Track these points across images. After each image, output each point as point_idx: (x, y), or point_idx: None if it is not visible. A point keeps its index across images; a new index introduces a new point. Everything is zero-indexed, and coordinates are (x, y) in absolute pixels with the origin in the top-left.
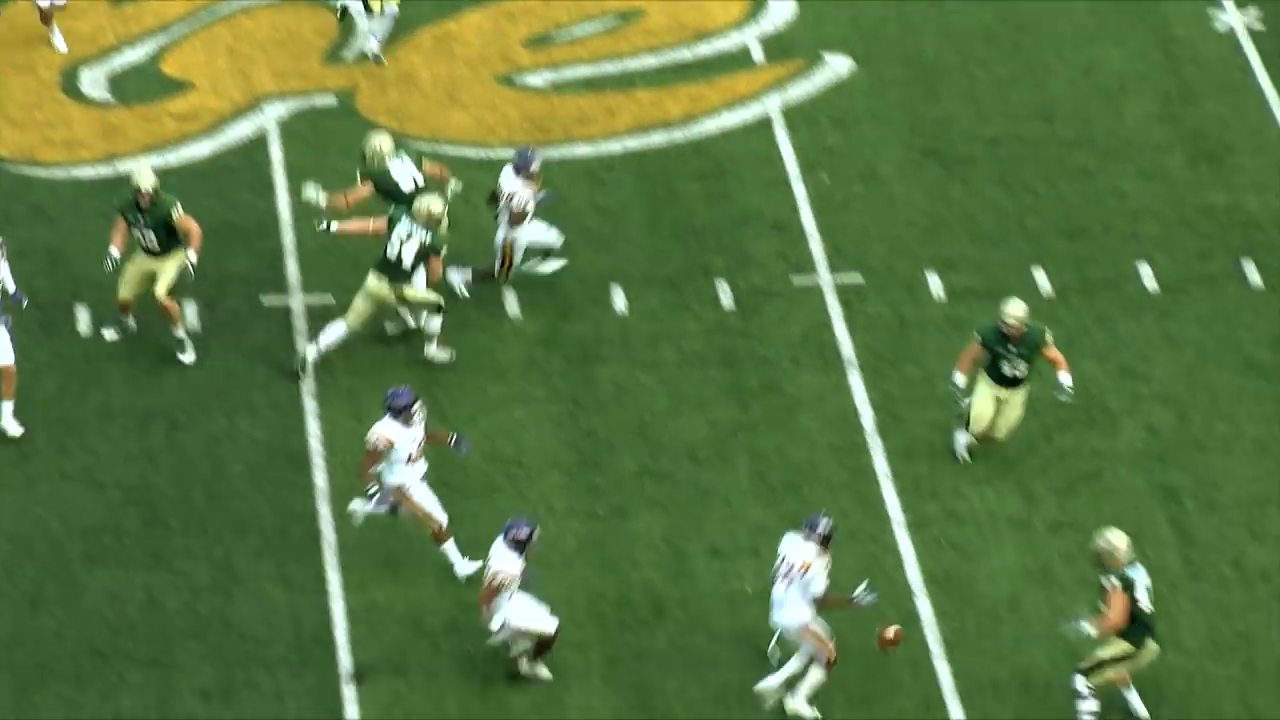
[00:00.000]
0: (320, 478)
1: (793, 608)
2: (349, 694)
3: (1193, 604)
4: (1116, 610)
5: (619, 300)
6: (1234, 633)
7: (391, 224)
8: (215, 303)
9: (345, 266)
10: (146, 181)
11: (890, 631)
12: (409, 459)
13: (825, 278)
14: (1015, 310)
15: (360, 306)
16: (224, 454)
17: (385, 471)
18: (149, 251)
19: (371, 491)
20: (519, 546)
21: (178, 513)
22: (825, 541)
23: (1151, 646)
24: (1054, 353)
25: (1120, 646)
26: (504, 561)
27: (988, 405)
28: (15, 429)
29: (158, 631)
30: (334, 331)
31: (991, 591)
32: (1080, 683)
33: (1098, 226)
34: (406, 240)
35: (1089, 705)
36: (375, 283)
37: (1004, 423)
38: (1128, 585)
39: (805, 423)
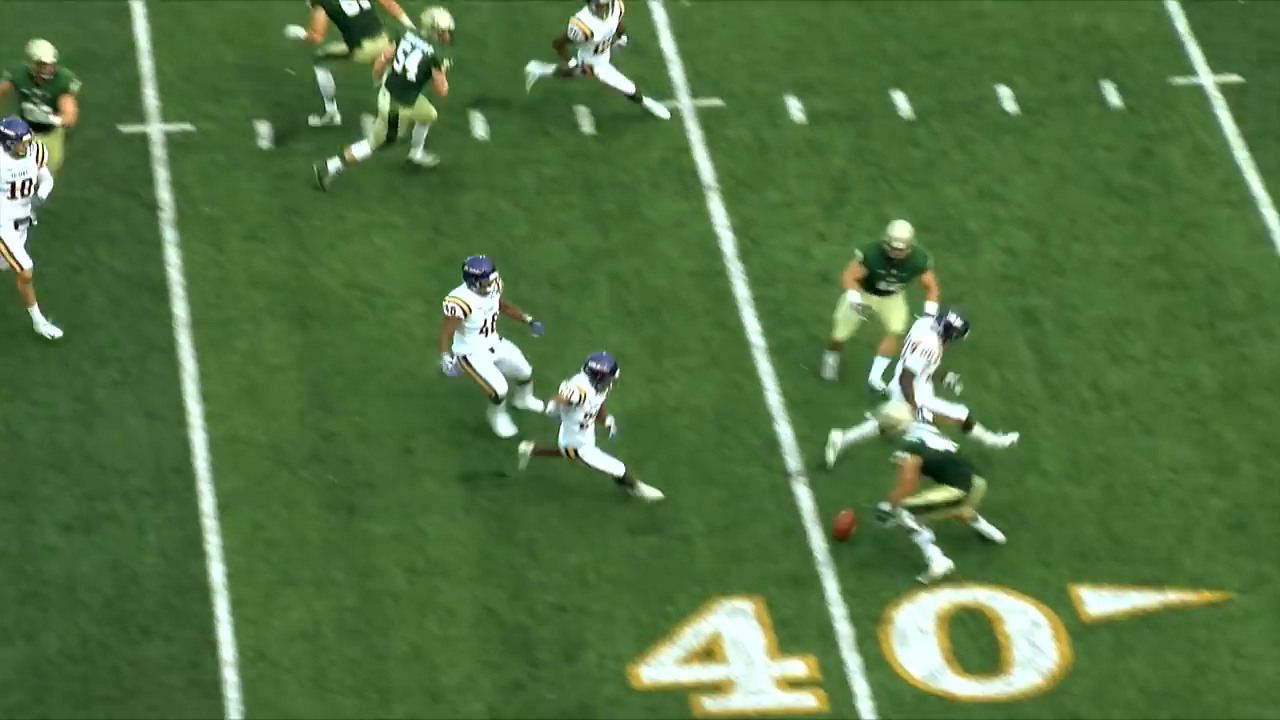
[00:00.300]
0: (180, 307)
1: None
2: (210, 525)
3: (1052, 427)
4: (905, 482)
5: (479, 126)
6: (1093, 455)
7: (398, 41)
8: (73, 132)
9: (204, 93)
10: (48, 54)
11: (846, 520)
12: (481, 329)
13: (685, 102)
14: (901, 233)
15: (378, 128)
16: (83, 284)
17: (455, 338)
18: (32, 127)
19: (448, 360)
20: (595, 377)
21: (37, 343)
22: (947, 333)
23: (979, 484)
24: (930, 279)
25: (949, 492)
26: (578, 381)
27: (850, 318)
28: (52, 329)
29: (17, 463)
30: (361, 149)
31: (853, 416)
32: (908, 518)
33: (957, 48)
34: (410, 53)
35: (924, 535)
36: (382, 100)
37: (894, 319)
38: (916, 448)
39: (665, 248)
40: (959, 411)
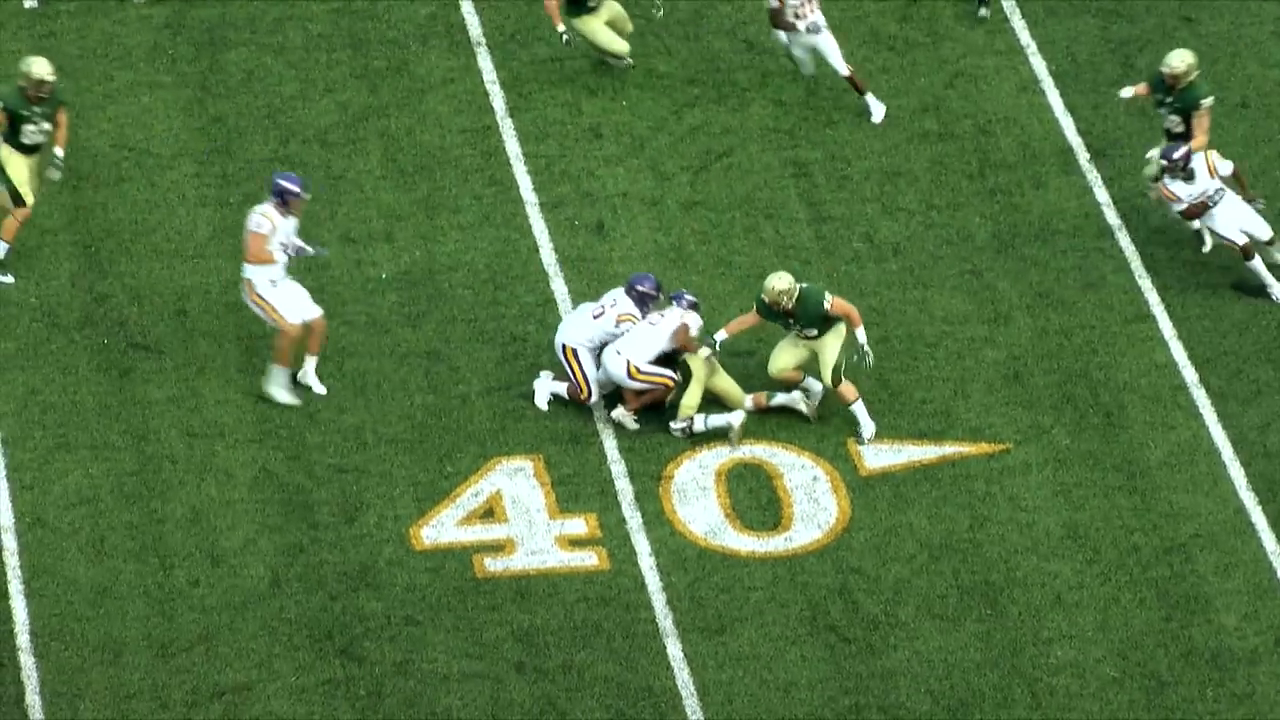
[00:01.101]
0: None
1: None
2: None
3: (826, 280)
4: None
5: None
6: (868, 307)
7: None
8: None
9: None
10: (46, 70)
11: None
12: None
13: None
14: (777, 284)
15: None
16: None
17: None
18: (29, 149)
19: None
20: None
21: None
22: (1168, 165)
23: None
24: (840, 305)
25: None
26: (673, 317)
27: (790, 356)
28: (320, 387)
29: None
30: None
31: (624, 270)
32: (678, 425)
33: None
34: None
35: (701, 423)
36: None
37: (824, 360)
38: None
39: (435, 105)
40: (1240, 238)
